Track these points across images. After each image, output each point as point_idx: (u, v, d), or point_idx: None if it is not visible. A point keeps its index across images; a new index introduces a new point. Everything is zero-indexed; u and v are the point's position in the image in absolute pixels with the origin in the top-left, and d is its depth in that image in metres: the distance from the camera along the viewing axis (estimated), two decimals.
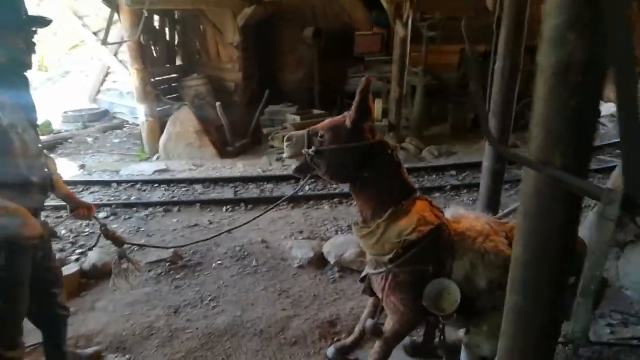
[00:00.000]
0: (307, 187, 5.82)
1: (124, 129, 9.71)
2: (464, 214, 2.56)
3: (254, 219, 3.02)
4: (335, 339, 3.09)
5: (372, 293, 2.70)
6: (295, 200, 5.25)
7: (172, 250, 3.89)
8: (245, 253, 4.06)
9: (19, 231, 2.07)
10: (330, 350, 2.92)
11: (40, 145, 2.24)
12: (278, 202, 3.06)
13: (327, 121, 2.41)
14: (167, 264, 3.82)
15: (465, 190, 5.77)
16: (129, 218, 4.74)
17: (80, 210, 2.48)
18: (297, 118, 7.85)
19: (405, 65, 7.73)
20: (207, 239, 2.97)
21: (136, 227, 4.53)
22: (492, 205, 3.67)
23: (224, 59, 8.63)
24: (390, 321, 2.49)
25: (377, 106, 8.00)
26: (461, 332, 2.74)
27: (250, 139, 8.55)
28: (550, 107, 1.24)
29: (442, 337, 2.72)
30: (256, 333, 3.09)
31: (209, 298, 3.47)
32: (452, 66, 9.70)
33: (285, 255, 4.05)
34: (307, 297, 3.50)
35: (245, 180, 5.95)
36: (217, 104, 7.58)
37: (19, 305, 2.28)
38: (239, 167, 6.76)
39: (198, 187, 5.71)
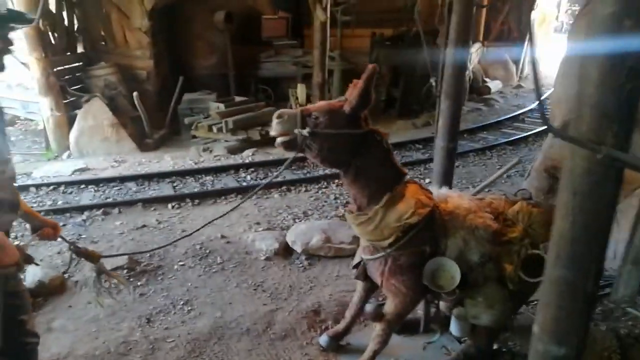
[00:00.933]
0: (248, 177, 5.69)
1: (17, 125, 8.65)
2: (449, 194, 2.70)
3: (231, 210, 2.85)
4: (323, 327, 3.10)
5: (365, 278, 2.73)
6: (244, 192, 5.11)
7: (126, 256, 3.59)
8: (207, 251, 3.88)
9: None
10: (323, 339, 2.93)
11: (9, 155, 1.93)
12: (257, 189, 2.99)
13: (324, 104, 2.38)
14: (125, 271, 3.52)
15: None
16: (64, 225, 4.25)
17: (46, 230, 2.17)
18: (221, 106, 7.58)
19: (327, 50, 7.80)
20: (189, 235, 2.76)
21: (76, 235, 4.09)
22: (447, 182, 3.88)
23: (132, 45, 8.01)
24: (392, 303, 2.54)
25: (301, 91, 7.99)
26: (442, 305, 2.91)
27: (167, 129, 8.10)
28: (604, 91, 1.34)
29: (437, 312, 2.87)
30: (243, 332, 3.00)
31: (182, 302, 3.28)
32: (364, 50, 9.97)
33: (249, 248, 3.95)
34: (283, 289, 3.46)
35: (181, 174, 5.64)
36: (135, 94, 7.05)
37: None
38: (167, 161, 6.38)
39: (131, 185, 5.29)
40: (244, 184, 5.42)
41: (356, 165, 2.32)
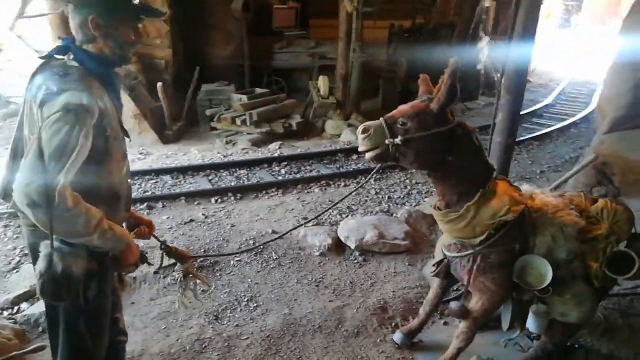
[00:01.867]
0: (282, 171, 5.63)
1: None
2: (533, 190, 2.67)
3: (350, 193, 2.83)
4: (392, 324, 3.08)
5: (447, 276, 2.71)
6: (284, 186, 5.05)
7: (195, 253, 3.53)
8: (261, 246, 3.83)
9: (124, 258, 1.76)
10: (397, 336, 2.91)
11: (126, 151, 1.87)
12: (369, 177, 2.88)
13: (407, 107, 2.29)
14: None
15: None
16: None
17: (142, 228, 2.12)
18: (244, 98, 7.49)
19: (351, 42, 7.71)
20: (280, 236, 2.71)
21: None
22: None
23: (151, 33, 7.86)
24: (479, 301, 2.51)
25: (324, 83, 7.92)
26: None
27: (185, 120, 7.98)
28: None
29: (519, 309, 2.85)
30: (315, 329, 2.97)
31: (246, 299, 3.23)
32: (381, 42, 9.91)
33: (301, 244, 3.90)
34: (345, 286, 3.43)
35: (215, 167, 5.56)
36: (159, 84, 6.93)
37: (104, 337, 1.98)
38: (194, 154, 6.29)
39: (167, 179, 5.20)
40: (280, 177, 5.36)
41: (447, 161, 2.27)
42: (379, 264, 3.73)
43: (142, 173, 5.24)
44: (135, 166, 5.65)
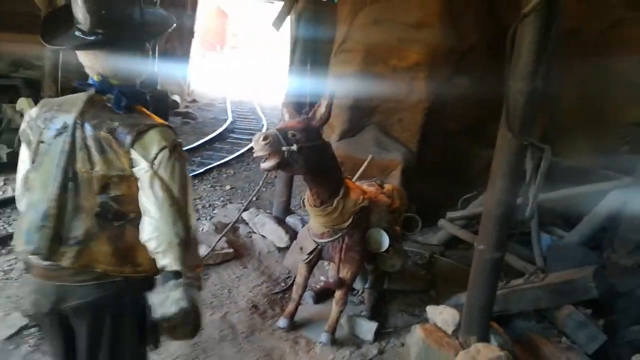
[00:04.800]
0: None
1: None
2: (355, 183, 3.71)
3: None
4: (269, 315, 3.56)
5: (316, 262, 3.48)
6: None
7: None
8: None
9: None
10: (282, 322, 3.43)
11: None
12: (262, 182, 3.15)
13: (294, 122, 2.95)
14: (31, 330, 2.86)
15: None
16: None
17: None
18: None
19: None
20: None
21: None
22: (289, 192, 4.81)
23: None
24: (349, 271, 3.34)
25: (29, 105, 6.81)
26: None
27: None
28: None
29: (365, 272, 3.83)
30: (220, 340, 3.12)
31: None
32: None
33: None
34: (210, 299, 3.60)
35: None
36: None
37: None
38: None
39: None
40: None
41: (322, 167, 3.06)
42: (219, 275, 4.01)
43: None
44: None
